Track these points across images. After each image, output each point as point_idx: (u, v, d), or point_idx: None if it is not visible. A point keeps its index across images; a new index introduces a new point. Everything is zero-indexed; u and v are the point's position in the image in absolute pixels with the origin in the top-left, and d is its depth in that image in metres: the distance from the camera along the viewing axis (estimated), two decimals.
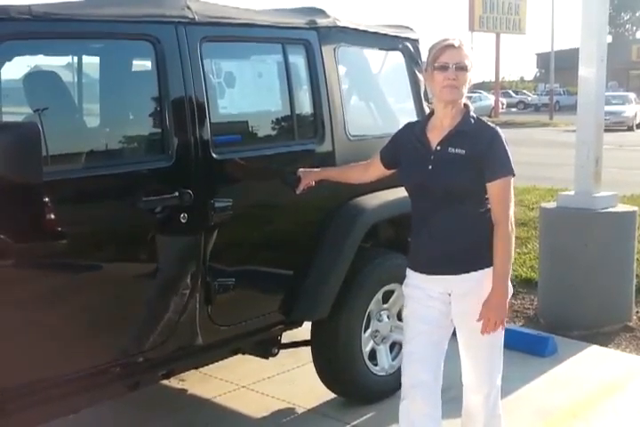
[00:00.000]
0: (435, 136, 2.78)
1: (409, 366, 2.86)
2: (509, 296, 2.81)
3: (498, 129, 2.76)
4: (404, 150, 2.88)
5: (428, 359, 2.83)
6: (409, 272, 2.90)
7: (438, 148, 2.75)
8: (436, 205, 2.74)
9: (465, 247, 2.74)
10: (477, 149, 2.69)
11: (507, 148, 2.73)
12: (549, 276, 5.20)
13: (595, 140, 5.08)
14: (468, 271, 2.74)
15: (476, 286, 2.75)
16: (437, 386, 2.86)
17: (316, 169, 3.32)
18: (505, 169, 2.70)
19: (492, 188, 2.69)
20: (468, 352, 2.87)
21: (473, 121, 2.76)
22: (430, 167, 2.73)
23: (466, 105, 2.79)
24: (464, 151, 2.69)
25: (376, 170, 3.09)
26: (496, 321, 2.69)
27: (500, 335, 2.84)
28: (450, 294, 2.80)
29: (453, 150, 2.70)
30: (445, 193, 2.71)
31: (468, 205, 2.73)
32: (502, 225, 2.69)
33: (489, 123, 2.80)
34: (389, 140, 3.02)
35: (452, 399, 3.14)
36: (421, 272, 2.83)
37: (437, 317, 2.83)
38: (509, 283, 2.77)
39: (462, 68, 2.69)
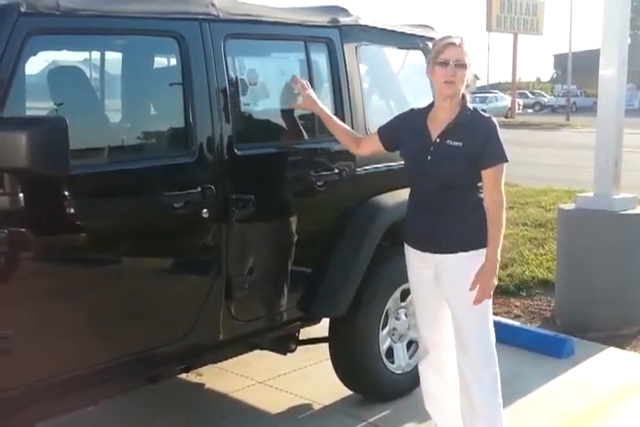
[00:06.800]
0: (435, 127, 2.96)
1: (419, 330, 3.23)
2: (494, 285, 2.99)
3: (492, 119, 2.96)
4: (406, 136, 3.05)
5: (434, 324, 3.15)
6: (405, 243, 3.15)
7: (438, 140, 2.93)
8: (434, 191, 2.95)
9: (453, 232, 2.95)
10: (474, 141, 2.88)
11: (500, 137, 2.92)
12: (566, 277, 5.19)
13: (615, 142, 5.07)
14: (454, 252, 2.95)
15: (460, 263, 2.96)
16: (446, 347, 3.16)
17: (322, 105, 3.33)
18: (499, 157, 2.90)
19: (487, 174, 2.90)
20: (453, 322, 3.08)
21: (469, 113, 2.95)
22: (429, 158, 2.92)
23: (463, 96, 2.95)
24: (461, 143, 2.89)
25: (370, 145, 3.25)
26: (485, 289, 2.91)
27: (485, 310, 3.01)
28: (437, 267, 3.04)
29: (451, 143, 2.90)
30: (443, 182, 2.92)
31: (463, 192, 2.95)
32: (495, 208, 2.91)
33: (484, 113, 2.99)
34: (390, 121, 3.19)
35: None
36: (413, 248, 3.09)
37: (432, 282, 3.07)
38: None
39: (461, 66, 2.88)
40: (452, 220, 2.95)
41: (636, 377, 4.28)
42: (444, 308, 3.11)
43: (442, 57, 2.88)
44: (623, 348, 4.74)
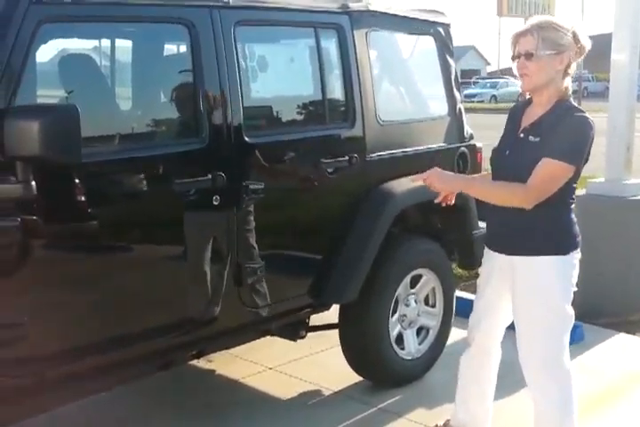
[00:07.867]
0: (525, 123, 2.77)
1: (470, 323, 3.07)
2: None
3: (583, 118, 2.62)
4: (506, 131, 2.89)
5: (483, 321, 3.01)
6: None
7: (521, 135, 2.75)
8: None
9: (515, 232, 2.78)
10: (551, 137, 2.62)
11: (579, 135, 2.61)
12: None
13: (626, 126, 5.05)
14: (520, 254, 2.78)
15: (526, 267, 2.78)
16: (489, 347, 3.04)
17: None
18: (555, 152, 2.57)
19: (538, 165, 2.59)
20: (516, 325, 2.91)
21: (562, 110, 2.66)
22: (507, 153, 2.76)
23: (566, 89, 2.70)
24: (539, 139, 2.66)
25: None
26: (431, 175, 2.76)
27: (543, 317, 2.84)
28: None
29: (532, 139, 2.68)
30: (515, 179, 2.66)
31: None
32: (514, 191, 2.64)
33: (579, 112, 2.64)
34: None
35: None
36: (486, 244, 2.98)
37: (495, 283, 2.93)
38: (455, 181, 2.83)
39: (530, 56, 2.61)
40: (522, 221, 2.71)
41: None
42: (502, 313, 2.97)
43: (514, 50, 2.66)
44: (633, 333, 4.74)
